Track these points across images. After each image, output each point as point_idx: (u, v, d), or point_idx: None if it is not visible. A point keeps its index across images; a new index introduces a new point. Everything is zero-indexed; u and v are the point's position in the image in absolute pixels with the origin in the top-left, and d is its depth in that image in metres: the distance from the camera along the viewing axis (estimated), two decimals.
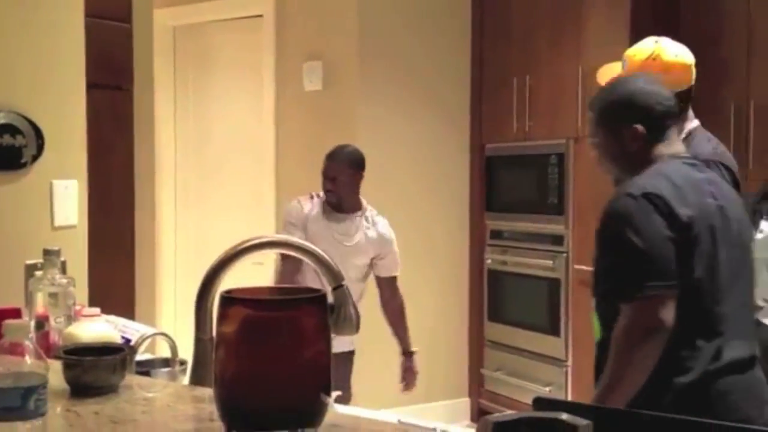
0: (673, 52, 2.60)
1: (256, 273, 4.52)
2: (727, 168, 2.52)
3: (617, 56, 2.81)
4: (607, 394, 2.04)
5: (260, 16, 5.02)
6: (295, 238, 1.54)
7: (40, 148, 2.53)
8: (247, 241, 1.53)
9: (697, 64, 2.66)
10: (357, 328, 1.47)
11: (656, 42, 2.62)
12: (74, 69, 2.65)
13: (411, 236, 4.87)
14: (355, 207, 3.63)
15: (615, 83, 2.31)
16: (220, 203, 5.28)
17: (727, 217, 2.10)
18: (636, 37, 3.19)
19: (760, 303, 3.06)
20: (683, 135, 2.56)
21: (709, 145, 2.56)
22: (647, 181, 2.08)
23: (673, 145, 2.21)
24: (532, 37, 4.74)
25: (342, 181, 3.57)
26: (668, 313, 1.98)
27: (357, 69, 4.68)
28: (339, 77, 4.75)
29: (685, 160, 2.19)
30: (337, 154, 3.63)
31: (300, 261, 3.54)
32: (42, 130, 2.53)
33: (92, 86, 2.79)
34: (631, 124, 2.17)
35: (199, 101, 5.42)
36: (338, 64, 4.74)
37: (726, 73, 4.06)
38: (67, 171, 2.63)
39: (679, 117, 2.56)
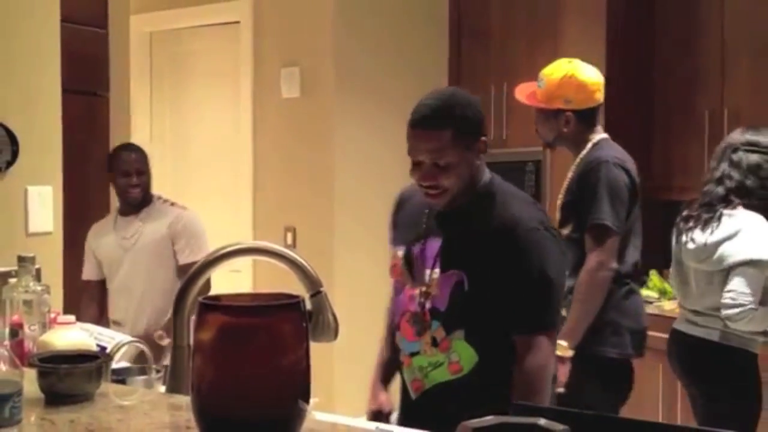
0: (587, 72, 2.88)
1: (233, 280, 4.51)
2: (627, 171, 2.80)
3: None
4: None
5: (237, 22, 5.00)
6: (272, 244, 1.53)
7: (14, 154, 2.51)
8: (225, 247, 1.52)
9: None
10: (335, 334, 1.47)
11: (570, 62, 2.90)
12: (50, 74, 2.63)
13: (386, 245, 4.86)
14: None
15: (452, 97, 2.03)
16: (196, 210, 5.24)
17: None
18: (612, 45, 3.27)
19: (699, 309, 3.07)
20: (590, 144, 2.87)
21: (613, 150, 2.85)
22: (535, 212, 2.03)
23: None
24: (510, 45, 4.75)
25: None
26: None
27: (334, 75, 4.68)
28: (317, 84, 4.74)
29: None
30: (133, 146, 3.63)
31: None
32: (17, 136, 2.51)
33: (68, 92, 2.77)
34: (479, 139, 2.03)
35: (175, 108, 5.39)
36: (316, 70, 4.74)
37: (700, 80, 4.09)
38: (42, 177, 2.61)
39: (591, 129, 2.89)
